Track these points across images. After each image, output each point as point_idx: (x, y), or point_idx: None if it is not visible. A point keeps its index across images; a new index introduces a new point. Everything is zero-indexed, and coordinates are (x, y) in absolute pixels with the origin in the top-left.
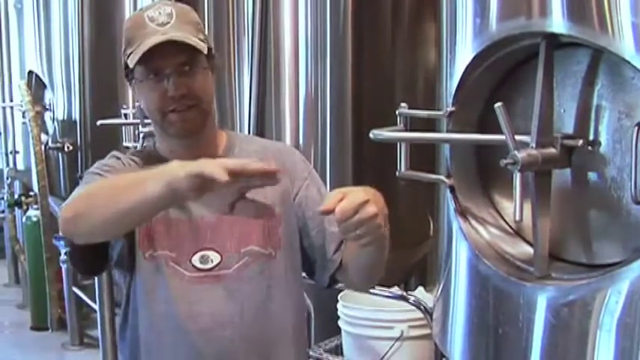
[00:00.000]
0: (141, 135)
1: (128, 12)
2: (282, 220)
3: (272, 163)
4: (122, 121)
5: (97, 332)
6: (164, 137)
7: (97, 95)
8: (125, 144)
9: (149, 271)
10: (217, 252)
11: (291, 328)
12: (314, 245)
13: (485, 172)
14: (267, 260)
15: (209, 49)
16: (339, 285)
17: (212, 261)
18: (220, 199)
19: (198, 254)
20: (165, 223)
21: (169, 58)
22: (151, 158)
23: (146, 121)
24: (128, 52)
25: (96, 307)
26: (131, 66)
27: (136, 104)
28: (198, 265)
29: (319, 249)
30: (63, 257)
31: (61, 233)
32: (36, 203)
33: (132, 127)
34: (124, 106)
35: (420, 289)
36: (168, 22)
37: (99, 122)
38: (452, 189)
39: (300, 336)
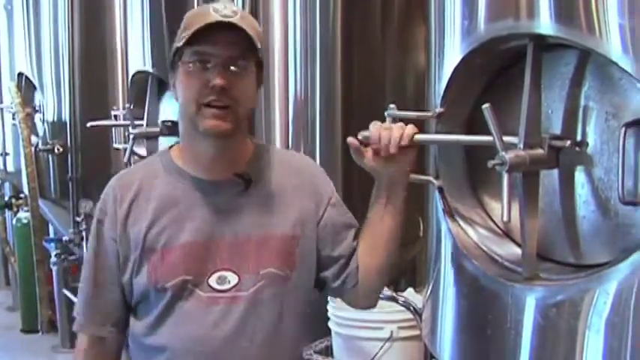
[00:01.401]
0: (131, 137)
1: (118, 13)
2: (301, 242)
3: (296, 179)
4: (112, 122)
5: None
6: (192, 135)
7: (87, 97)
8: (115, 145)
9: (159, 299)
10: (235, 273)
11: (298, 350)
12: (331, 257)
13: (474, 173)
14: (283, 282)
15: (261, 62)
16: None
17: (230, 282)
18: (239, 220)
19: (216, 275)
20: (180, 249)
21: (222, 48)
22: (169, 169)
23: (136, 122)
24: (183, 35)
25: None
26: (181, 44)
27: (126, 106)
28: (215, 286)
29: (334, 259)
30: (53, 259)
31: None
32: (26, 205)
33: (122, 128)
34: (114, 108)
35: (410, 289)
36: (232, 17)
37: (89, 124)
38: (440, 190)
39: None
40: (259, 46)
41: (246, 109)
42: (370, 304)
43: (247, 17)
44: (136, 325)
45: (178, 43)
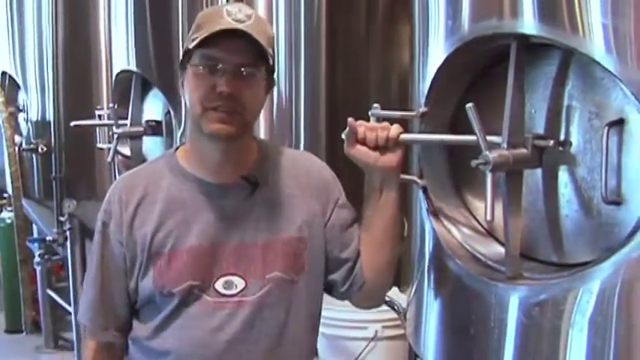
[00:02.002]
0: (114, 136)
1: (103, 12)
2: (309, 244)
3: (303, 180)
4: (96, 122)
5: (72, 335)
6: (198, 137)
7: (71, 96)
8: (99, 145)
9: (165, 303)
10: (242, 277)
11: (306, 352)
12: (339, 259)
13: (458, 173)
14: (290, 286)
15: (272, 66)
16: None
17: (236, 286)
18: (246, 224)
19: (222, 279)
20: (187, 253)
21: (232, 54)
22: (175, 171)
23: (120, 122)
24: (194, 35)
25: (70, 309)
26: (191, 47)
27: (110, 105)
28: (222, 291)
29: (342, 262)
30: (37, 259)
31: None
32: (10, 205)
33: (106, 128)
34: (98, 107)
35: (395, 289)
36: (245, 22)
37: (73, 123)
38: (424, 189)
39: (310, 357)
40: (271, 52)
41: (254, 115)
42: (378, 303)
43: (261, 22)
44: (140, 329)
45: (189, 45)
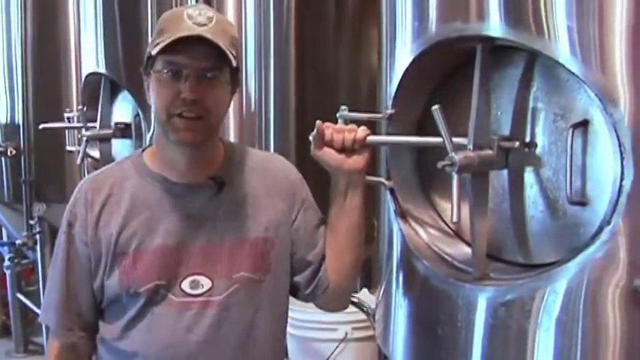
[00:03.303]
0: (84, 139)
1: (72, 15)
2: (275, 245)
3: (269, 181)
4: (65, 124)
5: (42, 339)
6: (164, 142)
7: (40, 99)
8: (69, 148)
9: (132, 303)
10: (208, 277)
11: (274, 352)
12: (304, 261)
13: (425, 174)
14: (256, 286)
15: (237, 67)
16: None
17: (202, 286)
18: (212, 224)
19: (189, 279)
20: (153, 253)
21: (195, 59)
22: (141, 172)
23: (89, 124)
24: (156, 41)
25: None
26: (154, 53)
27: (79, 108)
28: (188, 290)
29: (307, 264)
30: (6, 263)
31: None
32: None
33: (75, 130)
34: (68, 110)
35: (365, 290)
36: (206, 25)
37: (42, 126)
38: (392, 191)
39: (279, 358)
40: (234, 53)
41: (219, 118)
42: (343, 306)
43: (222, 23)
44: (107, 329)
45: (151, 50)
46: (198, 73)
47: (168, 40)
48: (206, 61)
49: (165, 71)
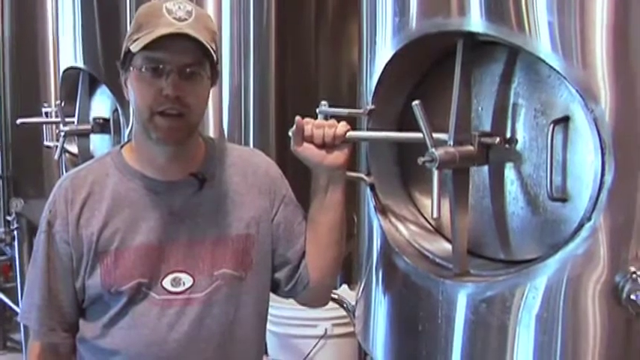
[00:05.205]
0: (61, 134)
1: (50, 9)
2: (256, 241)
3: (249, 177)
4: (43, 119)
5: (20, 336)
6: (144, 141)
7: (18, 93)
8: (46, 143)
9: (113, 302)
10: (190, 275)
11: (255, 350)
12: (284, 257)
13: (405, 170)
14: (238, 283)
15: (216, 62)
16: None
17: (184, 284)
18: (194, 221)
19: (170, 276)
20: (134, 252)
21: (176, 55)
22: (122, 169)
23: (67, 119)
24: (135, 37)
25: (19, 310)
26: (134, 50)
27: (57, 102)
28: (170, 288)
29: (287, 260)
30: None
31: None
32: None
33: (53, 125)
34: (45, 105)
35: (345, 287)
36: (186, 20)
37: (19, 121)
38: (372, 187)
39: (260, 355)
40: (214, 47)
41: (199, 115)
42: (324, 302)
43: (202, 17)
44: (88, 328)
45: (130, 45)
46: (180, 68)
47: (149, 38)
48: (187, 57)
49: (145, 68)
